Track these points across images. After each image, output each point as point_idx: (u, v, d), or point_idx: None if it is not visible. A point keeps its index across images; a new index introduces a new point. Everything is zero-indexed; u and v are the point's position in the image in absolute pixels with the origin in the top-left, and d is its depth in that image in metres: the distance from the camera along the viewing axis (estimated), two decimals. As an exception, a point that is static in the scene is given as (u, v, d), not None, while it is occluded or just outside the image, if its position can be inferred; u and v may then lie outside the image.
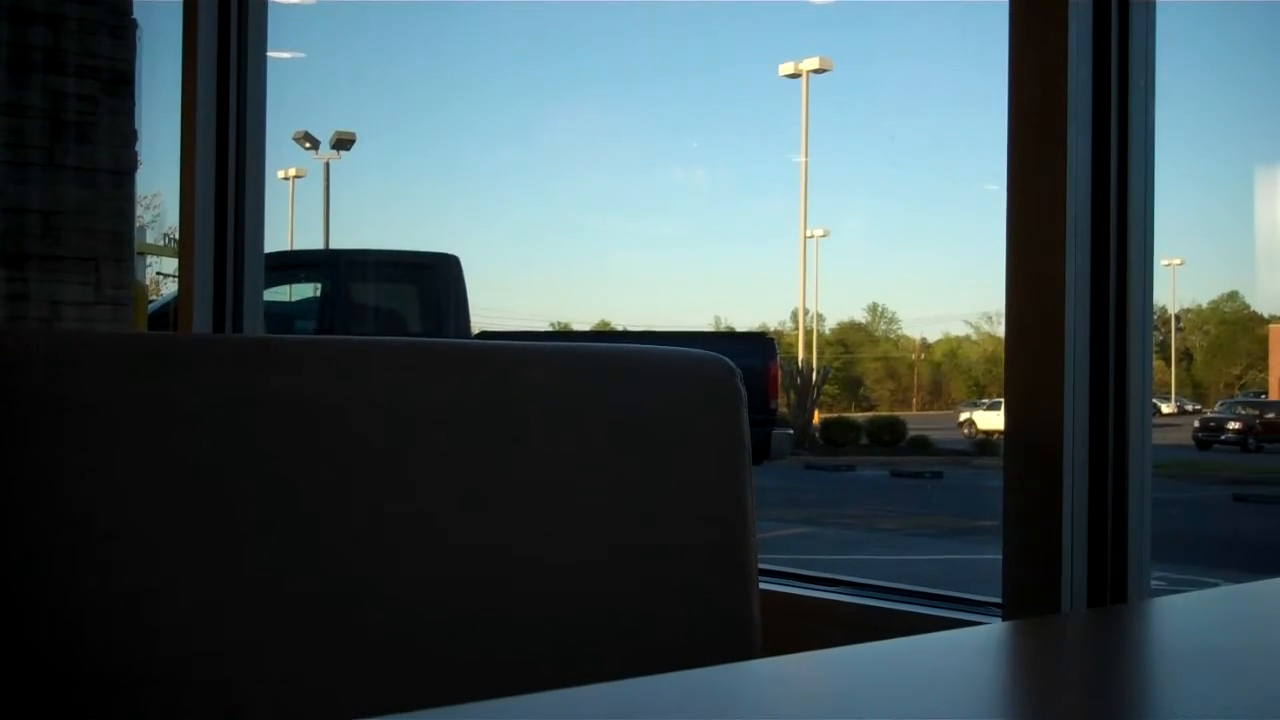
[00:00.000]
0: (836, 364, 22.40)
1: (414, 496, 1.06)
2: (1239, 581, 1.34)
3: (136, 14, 3.29)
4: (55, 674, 0.92)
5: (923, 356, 23.88)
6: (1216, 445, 14.24)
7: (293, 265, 10.15)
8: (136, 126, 3.29)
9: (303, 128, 15.81)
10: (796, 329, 20.31)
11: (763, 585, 1.26)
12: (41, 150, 3.10)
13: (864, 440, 16.88)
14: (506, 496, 1.10)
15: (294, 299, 10.03)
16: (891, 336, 24.85)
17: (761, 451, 9.91)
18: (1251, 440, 14.29)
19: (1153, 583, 1.61)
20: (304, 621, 0.99)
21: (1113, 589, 1.57)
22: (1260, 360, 18.84)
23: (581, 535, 1.14)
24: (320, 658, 1.00)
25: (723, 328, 20.34)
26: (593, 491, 1.15)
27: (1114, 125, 1.57)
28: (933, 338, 24.16)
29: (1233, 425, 14.69)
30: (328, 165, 16.39)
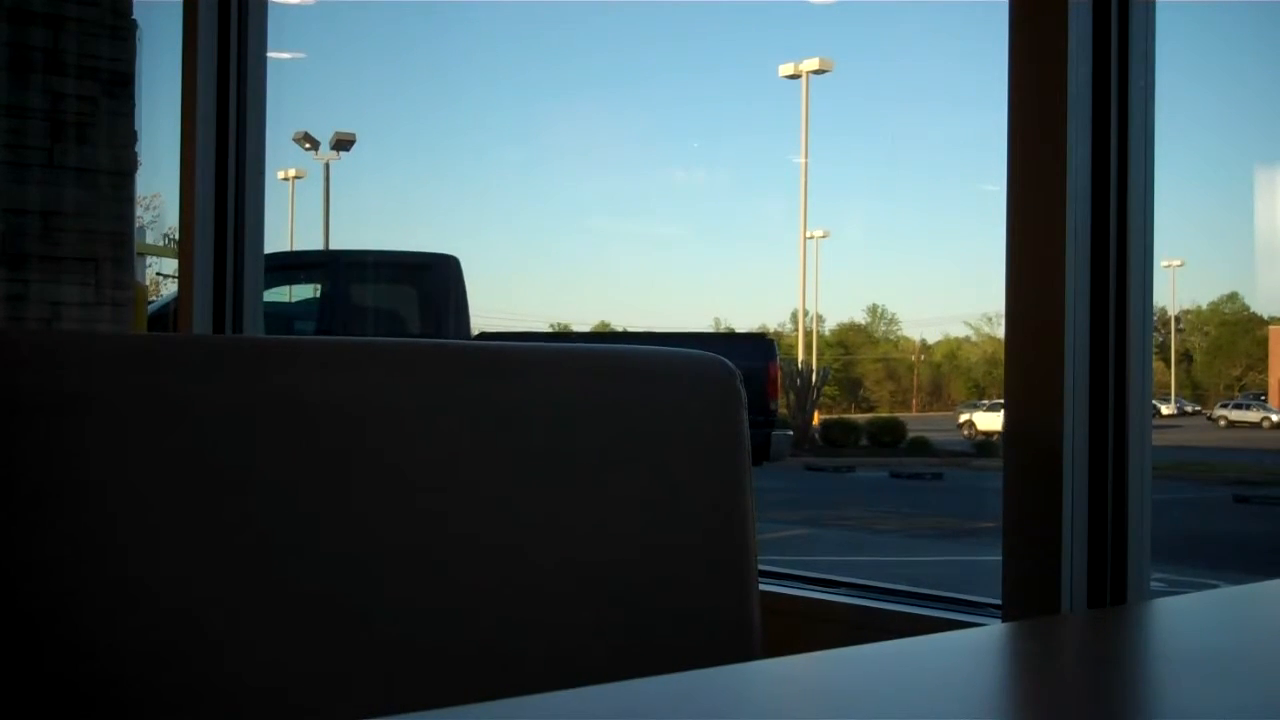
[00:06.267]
0: (836, 365, 22.40)
1: (413, 497, 1.06)
2: (1239, 583, 1.34)
3: (136, 15, 3.29)
4: (57, 673, 0.92)
5: (922, 358, 23.89)
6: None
7: (292, 266, 10.15)
8: (136, 127, 3.29)
9: (303, 128, 15.84)
10: (796, 330, 20.33)
11: (762, 586, 1.26)
12: (41, 151, 3.10)
13: (864, 441, 16.88)
14: (506, 497, 1.10)
15: (294, 300, 10.03)
16: (891, 338, 24.86)
17: (761, 452, 9.91)
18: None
19: (1152, 584, 1.61)
20: (303, 621, 0.99)
21: (1112, 590, 1.57)
22: (1260, 361, 18.85)
23: (581, 536, 1.14)
24: (319, 657, 1.00)
25: (722, 329, 20.38)
26: (592, 492, 1.15)
27: (1114, 125, 1.57)
28: (932, 339, 24.17)
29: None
30: (327, 166, 16.41)
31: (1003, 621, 1.62)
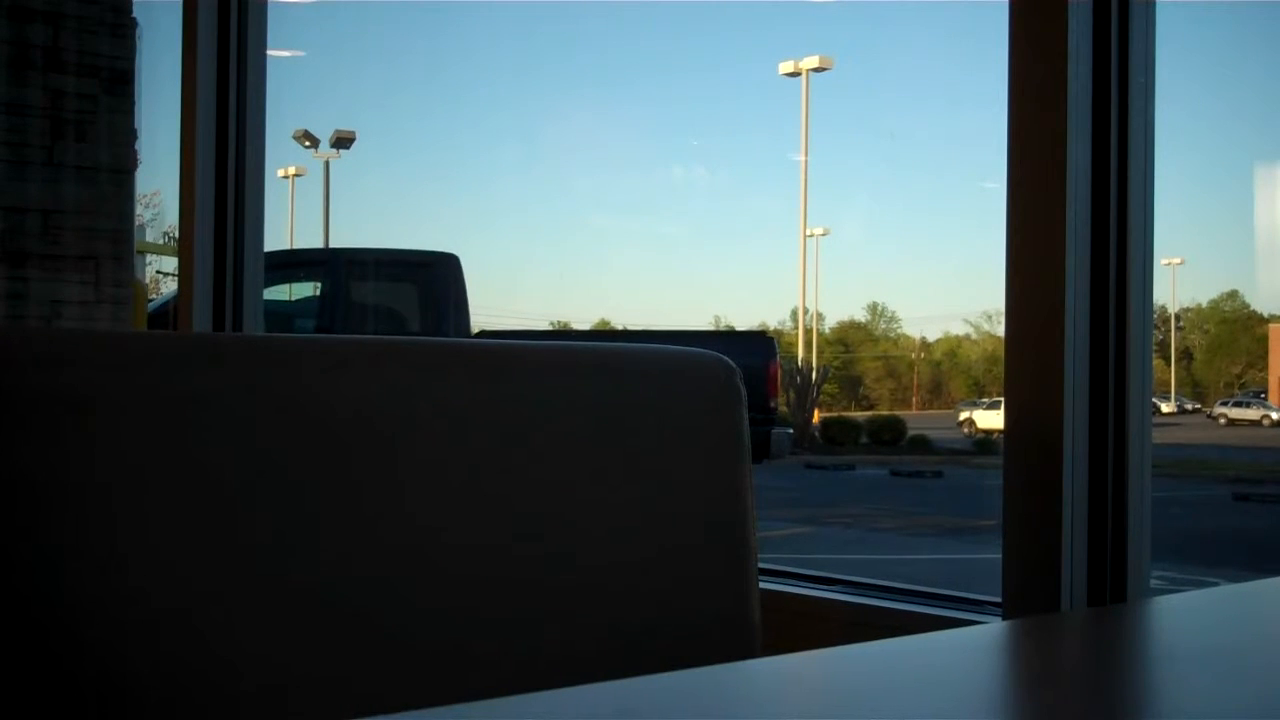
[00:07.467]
0: (836, 363, 22.42)
1: (414, 495, 1.06)
2: (1239, 580, 1.34)
3: (136, 12, 3.29)
4: (58, 672, 0.92)
5: (922, 355, 23.90)
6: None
7: (292, 264, 10.15)
8: (136, 125, 3.29)
9: (302, 126, 15.86)
10: (796, 328, 20.33)
11: (762, 584, 1.26)
12: (41, 149, 3.09)
13: (864, 439, 16.90)
14: (506, 496, 1.10)
15: (294, 298, 10.03)
16: (891, 335, 24.88)
17: (761, 450, 9.91)
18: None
19: (1152, 582, 1.61)
20: (303, 621, 0.99)
21: (1112, 588, 1.57)
22: (1260, 359, 18.87)
23: (580, 535, 1.14)
24: (319, 657, 1.00)
25: (722, 327, 20.42)
26: (592, 491, 1.15)
27: (1114, 125, 1.57)
28: (932, 337, 24.19)
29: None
30: (327, 164, 16.42)
31: (1003, 619, 1.62)
